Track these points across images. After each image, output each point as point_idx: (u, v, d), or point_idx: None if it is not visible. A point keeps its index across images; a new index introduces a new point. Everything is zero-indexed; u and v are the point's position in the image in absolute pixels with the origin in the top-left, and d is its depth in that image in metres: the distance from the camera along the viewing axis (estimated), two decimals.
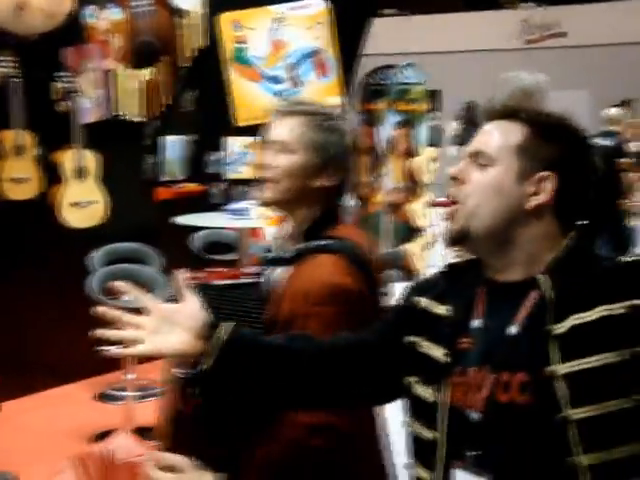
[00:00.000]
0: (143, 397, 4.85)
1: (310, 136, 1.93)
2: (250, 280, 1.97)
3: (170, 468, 1.49)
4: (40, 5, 4.70)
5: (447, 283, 1.54)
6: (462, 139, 8.69)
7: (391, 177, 6.56)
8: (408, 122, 6.70)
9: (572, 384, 1.30)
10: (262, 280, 1.95)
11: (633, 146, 7.24)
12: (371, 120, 6.94)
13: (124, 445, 3.11)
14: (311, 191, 1.93)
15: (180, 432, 1.83)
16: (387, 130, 6.64)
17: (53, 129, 4.93)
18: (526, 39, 10.46)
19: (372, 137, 6.90)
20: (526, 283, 1.40)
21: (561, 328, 1.33)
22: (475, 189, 1.42)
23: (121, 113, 5.38)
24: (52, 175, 4.99)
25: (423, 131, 6.81)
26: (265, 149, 1.99)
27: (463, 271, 1.51)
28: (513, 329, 1.37)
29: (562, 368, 1.31)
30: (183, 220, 5.02)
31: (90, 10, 5.16)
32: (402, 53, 8.69)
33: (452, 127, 8.72)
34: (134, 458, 3.01)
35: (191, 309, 1.48)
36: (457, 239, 1.45)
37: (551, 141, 1.42)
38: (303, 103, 2.06)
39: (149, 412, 4.71)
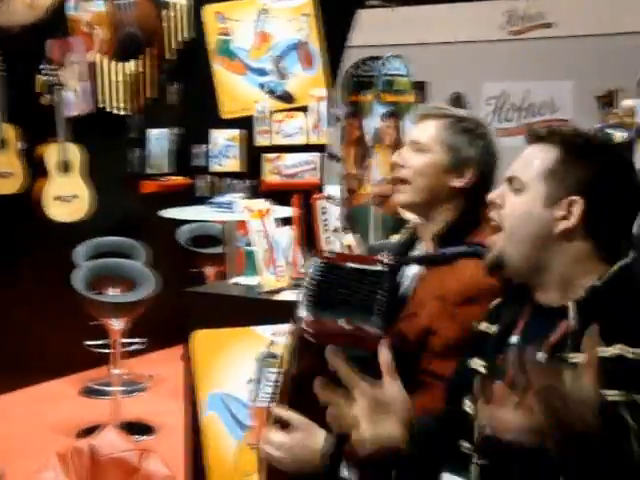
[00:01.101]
0: (129, 392, 4.84)
1: (444, 136, 1.96)
2: (380, 268, 1.89)
3: (285, 424, 1.58)
4: None
5: (502, 303, 1.56)
6: None
7: (378, 169, 6.56)
8: (395, 114, 6.69)
9: None
10: (397, 273, 1.91)
11: (618, 136, 7.26)
12: (358, 112, 6.92)
13: (110, 440, 3.10)
14: (444, 191, 1.95)
15: (296, 392, 1.82)
16: (374, 122, 6.63)
17: (37, 123, 4.90)
18: (511, 30, 10.46)
19: (359, 129, 6.89)
20: (562, 309, 1.39)
21: (575, 358, 1.30)
22: (509, 214, 1.46)
23: (106, 106, 5.34)
24: (36, 169, 4.96)
25: (410, 122, 6.79)
26: (404, 150, 2.02)
27: (518, 290, 1.51)
28: (540, 355, 1.36)
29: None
30: (169, 213, 5.00)
31: (73, 2, 5.11)
32: (387, 45, 8.67)
33: None
34: (120, 453, 3.00)
35: (403, 396, 1.44)
36: (495, 265, 1.48)
37: (580, 164, 1.42)
38: (442, 108, 2.09)
39: (135, 407, 4.71)
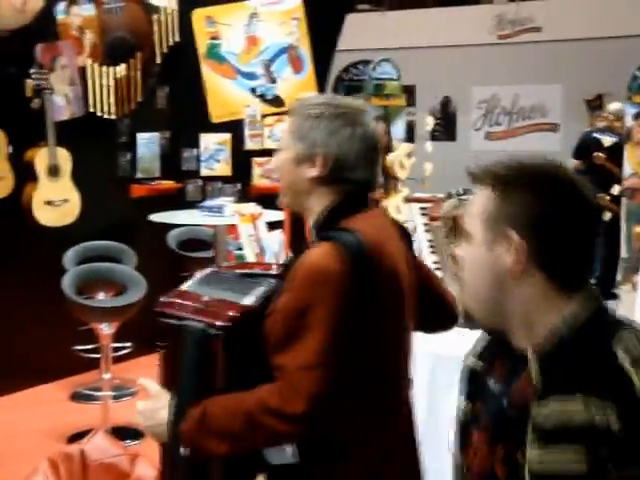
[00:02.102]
0: (119, 397, 4.81)
1: (292, 127, 1.91)
2: (268, 272, 1.96)
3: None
4: (11, 0, 4.64)
5: (486, 340, 1.54)
6: (437, 134, 8.71)
7: None
8: (385, 117, 6.70)
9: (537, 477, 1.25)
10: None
11: (607, 141, 7.29)
12: None
13: (100, 445, 3.09)
14: (305, 183, 1.89)
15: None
16: None
17: (26, 127, 4.88)
18: (500, 34, 10.50)
19: None
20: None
21: (541, 411, 1.27)
22: (461, 267, 1.42)
23: (95, 110, 5.33)
24: (25, 173, 4.94)
25: (399, 126, 6.80)
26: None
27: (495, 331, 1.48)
28: (505, 401, 1.35)
29: (531, 455, 1.25)
30: (158, 217, 4.99)
31: (63, 6, 5.10)
32: (377, 49, 8.68)
33: (427, 122, 8.72)
34: (110, 458, 2.98)
35: None
36: (467, 317, 1.50)
37: (512, 200, 1.34)
38: (300, 98, 2.03)
39: (124, 412, 4.68)
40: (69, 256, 4.75)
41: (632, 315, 5.01)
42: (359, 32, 8.13)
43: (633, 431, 1.21)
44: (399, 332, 1.89)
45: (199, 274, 2.00)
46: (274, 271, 1.96)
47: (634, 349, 1.30)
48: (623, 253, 6.88)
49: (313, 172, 1.88)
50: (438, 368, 2.52)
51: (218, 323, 1.72)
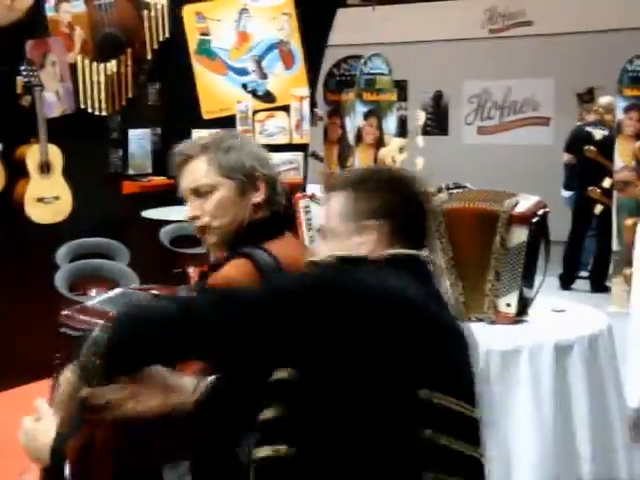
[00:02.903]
0: None
1: (217, 166, 1.92)
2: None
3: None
4: None
5: None
6: (429, 129, 8.72)
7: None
8: (376, 112, 6.70)
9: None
10: None
11: (598, 134, 7.30)
12: (339, 111, 6.93)
13: None
14: (247, 212, 1.93)
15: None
16: (355, 121, 6.64)
17: (17, 124, 4.87)
18: (491, 28, 10.50)
19: (341, 128, 6.90)
20: None
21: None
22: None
23: (86, 107, 5.32)
24: (16, 171, 4.93)
25: (391, 121, 6.81)
26: (190, 201, 1.98)
27: None
28: None
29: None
30: (151, 214, 4.99)
31: (51, 3, 5.09)
32: (368, 44, 8.68)
33: (419, 117, 8.73)
34: None
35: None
36: None
37: (369, 197, 1.63)
38: (193, 144, 2.01)
39: None
40: (61, 253, 4.75)
41: (624, 307, 5.04)
42: (350, 27, 8.12)
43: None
44: None
45: (108, 293, 1.96)
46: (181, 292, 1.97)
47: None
48: (614, 246, 6.90)
49: (259, 196, 1.94)
50: None
51: None
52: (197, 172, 1.94)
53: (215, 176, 1.92)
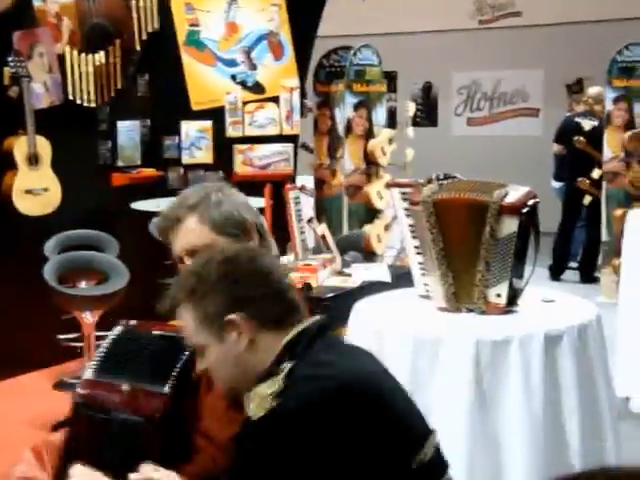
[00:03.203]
0: None
1: (213, 222, 1.93)
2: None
3: None
4: None
5: None
6: (419, 120, 8.71)
7: (349, 159, 6.56)
8: (366, 103, 6.69)
9: None
10: None
11: (587, 124, 7.31)
12: (329, 102, 6.92)
13: None
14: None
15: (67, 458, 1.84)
16: (345, 112, 6.63)
17: (5, 115, 4.84)
18: (481, 19, 10.50)
19: (331, 119, 6.88)
20: None
21: None
22: (212, 370, 1.65)
23: (75, 98, 5.29)
24: (4, 162, 4.90)
25: (380, 112, 6.80)
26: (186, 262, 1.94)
27: None
28: None
29: None
30: (140, 206, 4.97)
31: None
32: (358, 34, 8.67)
33: (408, 108, 8.72)
34: None
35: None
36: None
37: (212, 296, 1.59)
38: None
39: None
40: (50, 245, 4.73)
41: (613, 298, 5.05)
42: (339, 18, 8.10)
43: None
44: None
45: (110, 334, 1.93)
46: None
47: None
48: (604, 237, 6.92)
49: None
50: (419, 352, 2.52)
51: (147, 414, 1.72)
52: (191, 233, 1.91)
53: (210, 234, 1.89)
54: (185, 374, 1.79)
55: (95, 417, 1.72)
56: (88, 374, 1.81)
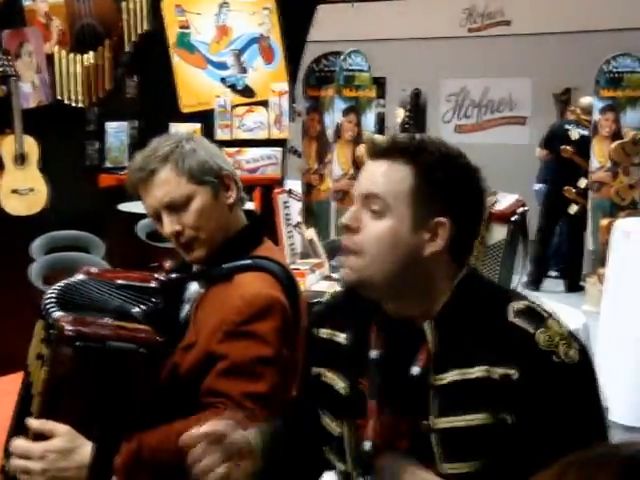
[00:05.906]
0: None
1: (180, 170, 1.79)
2: (154, 285, 1.85)
3: (41, 436, 1.58)
4: None
5: (344, 309, 1.51)
6: (407, 126, 8.73)
7: (338, 164, 6.57)
8: (355, 109, 6.71)
9: (445, 441, 1.30)
10: (173, 293, 1.87)
11: (575, 133, 7.35)
12: (318, 107, 6.93)
13: None
14: (227, 212, 1.83)
15: (52, 400, 1.73)
16: (334, 117, 6.64)
17: None
18: (470, 27, 10.54)
19: (320, 124, 6.89)
20: (420, 323, 1.37)
21: (442, 380, 1.31)
22: (371, 241, 1.35)
23: (63, 98, 5.27)
24: None
25: (370, 118, 6.82)
26: (167, 218, 1.84)
27: (357, 296, 1.45)
28: (415, 370, 1.35)
29: (438, 423, 1.30)
30: (127, 207, 4.95)
31: None
32: (348, 40, 8.68)
33: (397, 114, 8.75)
34: None
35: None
36: (354, 287, 1.42)
37: (442, 185, 1.35)
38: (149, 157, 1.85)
39: None
40: (36, 245, 4.70)
41: (597, 307, 5.08)
42: (329, 24, 8.11)
43: (533, 384, 1.26)
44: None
45: (70, 279, 1.82)
46: (153, 284, 1.86)
47: (529, 311, 1.36)
48: (590, 245, 6.96)
49: (232, 196, 1.83)
50: None
51: (142, 341, 1.58)
52: (167, 185, 1.79)
53: (188, 184, 1.78)
54: (161, 318, 1.71)
55: (88, 348, 1.54)
56: (58, 314, 1.64)
